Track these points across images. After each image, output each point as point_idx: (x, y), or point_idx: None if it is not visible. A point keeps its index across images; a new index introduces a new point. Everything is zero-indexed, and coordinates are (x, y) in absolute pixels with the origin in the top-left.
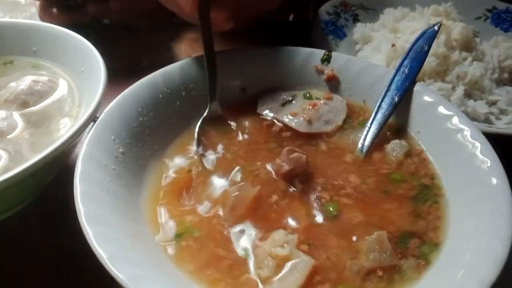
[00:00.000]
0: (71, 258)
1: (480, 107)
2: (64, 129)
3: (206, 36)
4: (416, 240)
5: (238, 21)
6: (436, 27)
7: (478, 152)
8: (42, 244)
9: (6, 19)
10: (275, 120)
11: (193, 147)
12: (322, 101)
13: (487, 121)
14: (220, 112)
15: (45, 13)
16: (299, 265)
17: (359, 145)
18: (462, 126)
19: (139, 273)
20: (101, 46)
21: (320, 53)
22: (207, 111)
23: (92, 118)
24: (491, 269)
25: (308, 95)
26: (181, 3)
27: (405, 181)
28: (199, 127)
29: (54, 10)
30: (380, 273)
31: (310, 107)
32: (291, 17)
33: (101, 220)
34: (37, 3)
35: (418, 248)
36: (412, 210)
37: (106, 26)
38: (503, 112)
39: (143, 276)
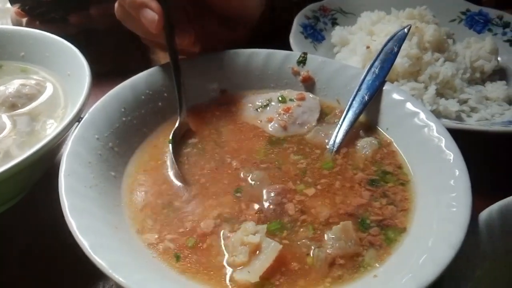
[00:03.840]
0: (58, 252)
1: (451, 105)
2: (51, 129)
3: (173, 56)
4: (383, 224)
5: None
6: (405, 30)
7: (443, 146)
8: (30, 238)
9: None
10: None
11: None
12: (295, 104)
13: (458, 118)
14: (188, 125)
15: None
16: (267, 249)
17: (331, 142)
18: (428, 122)
19: (119, 260)
20: (87, 50)
21: (296, 55)
22: (177, 124)
23: (77, 118)
24: (449, 253)
25: (281, 98)
26: (145, 24)
27: (365, 169)
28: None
29: (37, 23)
30: (342, 262)
31: (283, 112)
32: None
33: (84, 213)
34: (24, 20)
35: (384, 232)
36: (378, 192)
37: (91, 32)
38: (473, 110)
39: (122, 263)
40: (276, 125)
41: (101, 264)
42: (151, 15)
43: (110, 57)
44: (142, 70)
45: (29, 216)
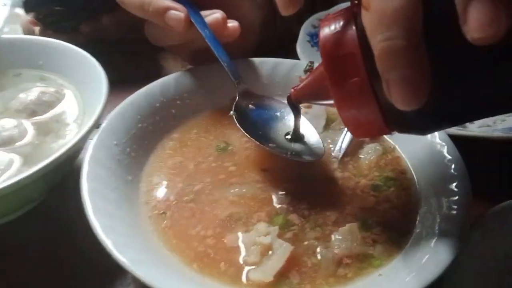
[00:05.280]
0: (75, 253)
1: None
2: (70, 135)
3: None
4: (386, 225)
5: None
6: None
7: (445, 152)
8: (47, 241)
9: (14, 35)
10: None
11: None
12: (302, 111)
13: (461, 125)
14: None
15: (43, 36)
16: (279, 250)
17: (337, 148)
18: None
19: (140, 258)
20: (98, 59)
21: (303, 64)
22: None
23: (96, 125)
24: (449, 254)
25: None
26: (173, 26)
27: (368, 174)
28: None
29: (50, 32)
30: (348, 261)
31: None
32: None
33: (106, 214)
34: (36, 29)
35: (388, 231)
36: (381, 197)
37: (103, 41)
38: None
39: (143, 261)
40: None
41: (124, 262)
42: (176, 14)
43: (122, 66)
44: (153, 77)
45: (46, 219)
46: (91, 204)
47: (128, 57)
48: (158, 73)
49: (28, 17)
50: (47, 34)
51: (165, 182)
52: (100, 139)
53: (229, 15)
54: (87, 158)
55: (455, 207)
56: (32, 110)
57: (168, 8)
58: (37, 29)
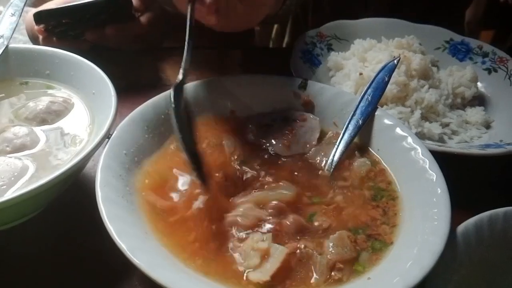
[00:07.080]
0: (84, 254)
1: (435, 128)
2: (81, 145)
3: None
4: (374, 236)
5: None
6: (395, 61)
7: (427, 167)
8: (57, 241)
9: (23, 45)
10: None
11: None
12: (298, 124)
13: (441, 140)
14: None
15: (47, 44)
16: (275, 253)
17: (329, 161)
18: (415, 146)
19: (154, 261)
20: (103, 65)
21: (298, 80)
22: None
23: (107, 135)
24: (431, 260)
25: (284, 119)
26: None
27: (362, 187)
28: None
29: (54, 39)
30: (341, 266)
31: (287, 132)
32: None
33: (119, 219)
34: (40, 36)
35: (374, 243)
36: (373, 206)
37: (104, 49)
38: (454, 133)
39: (157, 264)
40: (280, 144)
41: (140, 265)
42: None
43: (122, 74)
44: (153, 87)
45: (54, 223)
46: (105, 210)
47: (128, 65)
48: (158, 82)
49: (37, 27)
50: (51, 41)
51: (167, 190)
52: (111, 148)
53: None
54: (99, 166)
55: (436, 217)
56: (42, 119)
57: None
58: (41, 36)
